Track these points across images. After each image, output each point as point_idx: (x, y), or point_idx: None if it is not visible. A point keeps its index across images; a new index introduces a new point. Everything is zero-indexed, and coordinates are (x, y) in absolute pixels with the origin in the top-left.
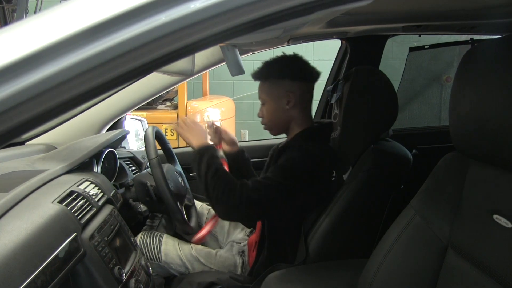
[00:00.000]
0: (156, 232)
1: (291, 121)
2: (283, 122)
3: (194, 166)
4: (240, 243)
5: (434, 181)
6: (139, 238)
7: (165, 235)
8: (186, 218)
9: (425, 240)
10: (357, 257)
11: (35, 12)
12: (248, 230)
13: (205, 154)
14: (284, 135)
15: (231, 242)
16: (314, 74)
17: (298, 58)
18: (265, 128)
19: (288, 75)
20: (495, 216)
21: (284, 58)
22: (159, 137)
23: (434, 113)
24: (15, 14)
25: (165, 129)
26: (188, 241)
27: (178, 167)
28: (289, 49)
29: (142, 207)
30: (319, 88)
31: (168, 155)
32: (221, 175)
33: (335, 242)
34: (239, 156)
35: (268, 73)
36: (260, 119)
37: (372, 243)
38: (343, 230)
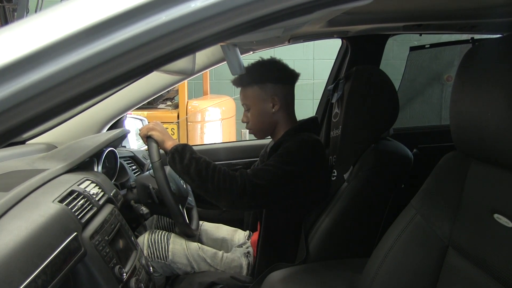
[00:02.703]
0: (164, 232)
1: (277, 124)
2: (269, 125)
3: (176, 166)
4: (242, 246)
5: (434, 180)
6: (146, 237)
7: (173, 235)
8: (187, 221)
9: (425, 239)
10: (358, 256)
11: (35, 12)
12: (247, 232)
13: (185, 151)
14: None
15: (234, 248)
16: (294, 75)
17: (277, 61)
18: (250, 133)
19: (270, 79)
20: (495, 215)
21: (263, 63)
22: None
23: (435, 112)
24: (15, 13)
25: (166, 128)
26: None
27: None
28: (290, 49)
29: (144, 209)
30: (319, 88)
31: None
32: (215, 166)
33: (335, 242)
34: None
35: (249, 79)
36: None
37: (372, 243)
38: (344, 229)
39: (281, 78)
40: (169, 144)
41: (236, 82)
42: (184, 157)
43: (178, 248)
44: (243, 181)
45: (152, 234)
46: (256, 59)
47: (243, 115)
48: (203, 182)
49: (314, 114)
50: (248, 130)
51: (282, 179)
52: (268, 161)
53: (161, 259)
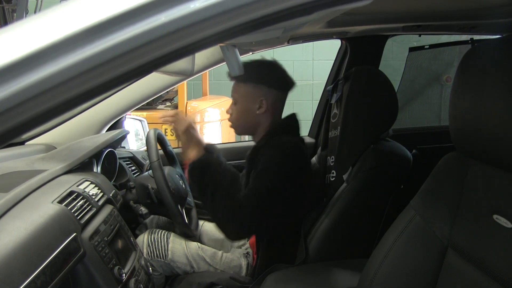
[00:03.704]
0: (164, 231)
1: (258, 126)
2: (250, 125)
3: (194, 180)
4: (241, 246)
5: (434, 181)
6: (146, 236)
7: (172, 234)
8: (186, 221)
9: (425, 240)
10: (357, 257)
11: (35, 12)
12: None
13: (207, 168)
14: None
15: (233, 248)
16: (289, 84)
17: (277, 66)
18: (231, 126)
19: (265, 82)
20: (495, 216)
21: (264, 64)
22: (161, 139)
23: (434, 113)
24: (15, 14)
25: (165, 129)
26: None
27: (179, 169)
28: (289, 49)
29: (143, 209)
30: (319, 88)
31: (169, 157)
32: (221, 195)
33: (335, 242)
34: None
35: (246, 75)
36: None
37: (372, 243)
38: (343, 230)
39: (276, 83)
40: (194, 154)
41: (231, 75)
42: (204, 178)
43: (178, 247)
44: (242, 215)
45: (152, 233)
46: (258, 58)
47: (229, 106)
48: (210, 211)
49: (313, 115)
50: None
51: (274, 197)
52: (253, 182)
53: (160, 258)
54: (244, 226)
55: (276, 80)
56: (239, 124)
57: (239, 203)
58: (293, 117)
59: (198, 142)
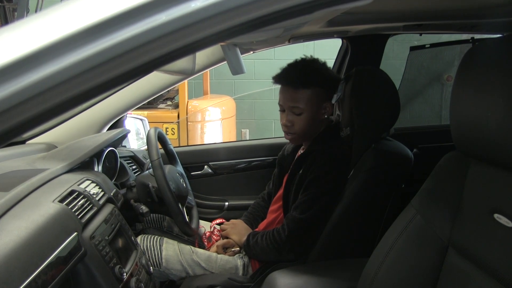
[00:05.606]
0: (156, 236)
1: (316, 132)
2: (312, 132)
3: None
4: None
5: (434, 180)
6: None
7: (165, 239)
8: (187, 220)
9: (425, 239)
10: (358, 256)
11: (36, 11)
12: None
13: (248, 244)
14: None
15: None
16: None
17: (326, 64)
18: (292, 138)
19: (326, 84)
20: (496, 215)
21: (317, 64)
22: (161, 138)
23: (435, 112)
24: (15, 13)
25: (166, 128)
26: (189, 242)
27: (180, 168)
28: (290, 49)
29: (144, 208)
30: None
31: (170, 156)
32: (259, 249)
33: (335, 242)
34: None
35: (311, 80)
36: (260, 119)
37: (372, 243)
38: (344, 229)
39: (334, 83)
40: (239, 241)
41: (291, 81)
42: (251, 251)
43: (171, 254)
44: (285, 241)
45: (144, 240)
46: (260, 59)
47: (284, 118)
48: (276, 252)
49: None
50: (247, 130)
51: (327, 202)
52: (305, 194)
53: (155, 266)
54: (291, 248)
55: (333, 80)
56: (304, 134)
57: (277, 243)
58: (337, 123)
59: (241, 232)
